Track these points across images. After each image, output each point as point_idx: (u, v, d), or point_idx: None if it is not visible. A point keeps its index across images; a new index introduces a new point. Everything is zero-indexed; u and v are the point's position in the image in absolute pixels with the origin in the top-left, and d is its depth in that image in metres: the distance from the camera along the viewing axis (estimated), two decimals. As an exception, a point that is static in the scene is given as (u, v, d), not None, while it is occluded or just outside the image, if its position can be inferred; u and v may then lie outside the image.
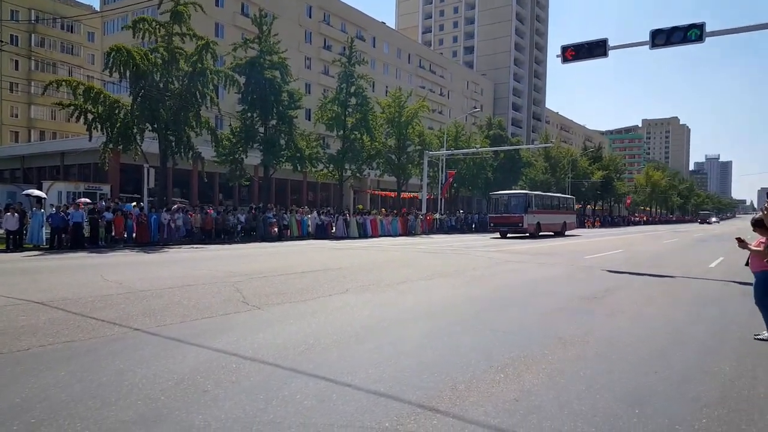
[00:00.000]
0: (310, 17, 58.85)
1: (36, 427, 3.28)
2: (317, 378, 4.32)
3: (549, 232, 33.14)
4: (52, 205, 21.00)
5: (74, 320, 6.26)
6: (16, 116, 61.10)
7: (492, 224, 31.96)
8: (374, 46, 67.27)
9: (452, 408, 3.77)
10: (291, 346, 5.29)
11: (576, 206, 76.43)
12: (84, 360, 4.71)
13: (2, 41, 23.92)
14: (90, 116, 23.02)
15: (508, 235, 30.57)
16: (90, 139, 24.49)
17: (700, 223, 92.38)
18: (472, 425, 3.49)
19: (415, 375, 4.48)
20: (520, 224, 29.83)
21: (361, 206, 39.59)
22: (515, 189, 61.56)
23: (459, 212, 45.07)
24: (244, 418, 3.48)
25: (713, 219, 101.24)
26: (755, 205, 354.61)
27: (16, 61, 59.19)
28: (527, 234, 30.62)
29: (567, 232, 35.21)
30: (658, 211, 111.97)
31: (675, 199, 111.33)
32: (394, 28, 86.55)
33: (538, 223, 31.33)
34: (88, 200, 22.33)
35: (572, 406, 3.86)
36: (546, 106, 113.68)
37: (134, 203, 24.17)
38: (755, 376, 4.75)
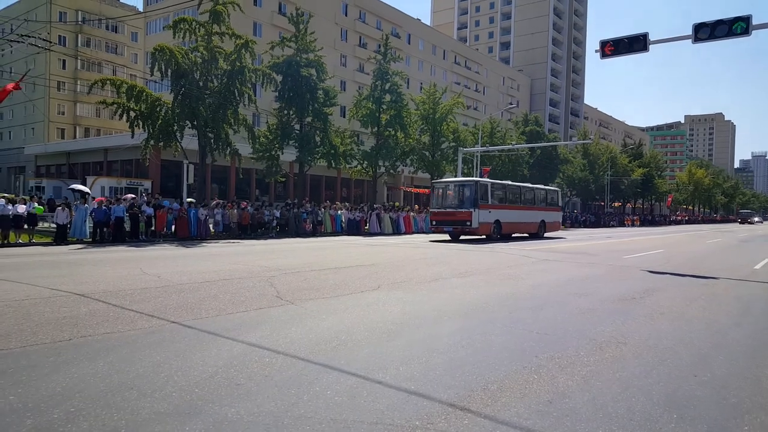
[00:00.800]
0: (345, 15, 59.11)
1: (75, 416, 3.38)
2: (348, 374, 4.33)
3: (517, 232, 26.60)
4: (93, 198, 21.73)
5: (114, 312, 6.45)
6: (63, 114, 63.49)
7: (433, 222, 24.57)
8: (409, 43, 67.09)
9: (484, 408, 3.70)
10: (323, 342, 5.32)
11: (615, 204, 74.97)
12: (122, 351, 4.83)
13: (50, 42, 24.81)
14: (132, 114, 23.71)
15: (462, 237, 24.36)
16: (132, 136, 25.26)
17: (741, 222, 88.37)
18: (504, 426, 3.43)
19: (447, 373, 4.43)
20: (468, 222, 22.61)
21: (397, 203, 39.54)
22: (551, 186, 60.93)
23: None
24: (276, 412, 3.51)
25: (756, 219, 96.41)
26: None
27: (64, 61, 61.49)
28: (481, 236, 24.31)
29: (547, 234, 28.49)
30: (701, 210, 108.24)
31: (719, 197, 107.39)
32: (429, 24, 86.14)
33: (497, 221, 24.20)
34: (133, 195, 23.02)
35: (607, 409, 3.75)
36: (584, 101, 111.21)
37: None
38: (803, 383, 4.52)
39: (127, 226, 19.27)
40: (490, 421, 3.50)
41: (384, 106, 35.58)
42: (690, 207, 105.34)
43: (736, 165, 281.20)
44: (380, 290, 8.69)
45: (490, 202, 23.91)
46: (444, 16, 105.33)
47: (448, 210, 23.74)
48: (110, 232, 18.75)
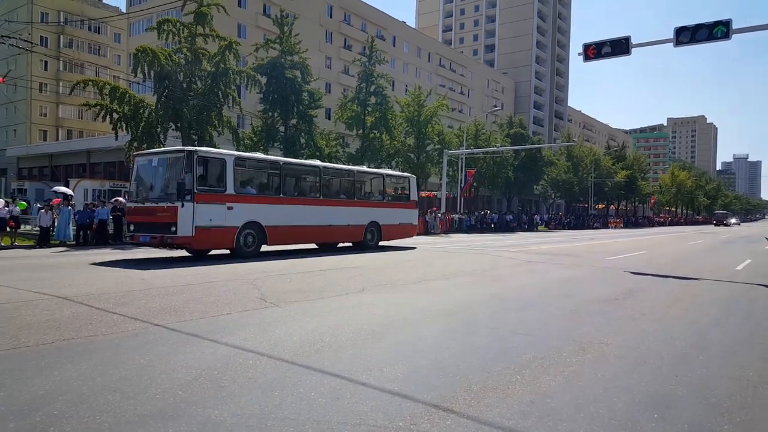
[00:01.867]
0: (330, 17, 59.11)
1: (58, 419, 3.36)
2: (332, 376, 4.35)
3: (310, 241, 17.37)
4: (72, 205, 21.38)
5: (97, 315, 6.40)
6: (45, 115, 62.62)
7: (130, 226, 14.50)
8: (394, 45, 67.26)
9: (467, 409, 3.75)
10: (307, 344, 5.33)
11: (598, 206, 75.67)
12: (105, 354, 4.81)
13: (32, 42, 24.45)
14: (115, 116, 23.48)
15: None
16: (116, 138, 25.03)
17: (716, 224, 78.47)
18: (487, 426, 3.48)
19: (430, 375, 4.48)
20: (173, 227, 12.89)
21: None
22: (537, 189, 61.72)
23: (478, 212, 44.73)
24: (259, 414, 3.52)
25: (732, 220, 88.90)
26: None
27: (46, 62, 60.64)
28: (202, 250, 14.53)
29: (391, 242, 20.21)
30: (684, 211, 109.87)
31: (701, 199, 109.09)
32: (414, 27, 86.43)
33: (253, 225, 14.65)
34: (123, 200, 22.76)
35: (589, 409, 3.81)
36: (568, 104, 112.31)
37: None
38: (781, 382, 4.64)
39: (110, 229, 19.07)
40: (472, 421, 3.55)
41: (369, 109, 35.66)
42: (673, 209, 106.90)
43: (718, 167, 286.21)
44: (365, 292, 8.72)
45: (231, 190, 14.06)
46: (429, 19, 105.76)
47: (147, 205, 13.89)
48: (93, 234, 18.54)
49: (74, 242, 18.26)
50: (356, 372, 4.47)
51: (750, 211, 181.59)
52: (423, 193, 45.59)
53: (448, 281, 10.54)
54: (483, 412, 3.70)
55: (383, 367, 4.64)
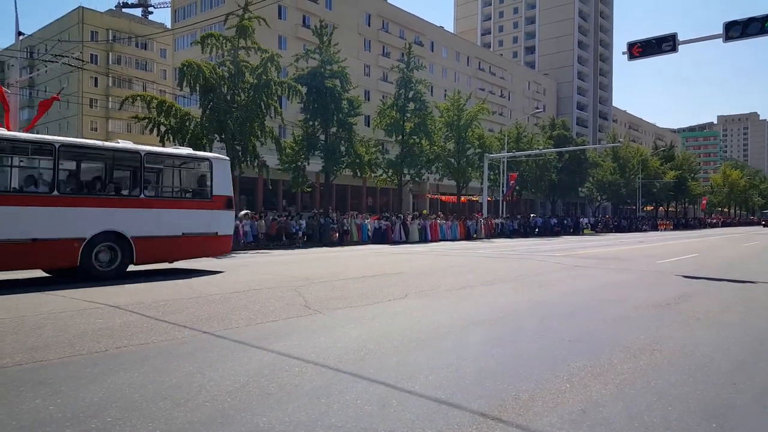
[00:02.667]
0: (368, 25, 59.57)
1: (112, 426, 3.45)
2: (377, 383, 4.32)
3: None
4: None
5: (147, 323, 6.59)
6: (95, 130, 65.40)
7: None
8: (432, 51, 67.15)
9: (515, 418, 3.66)
10: (352, 351, 5.33)
11: (647, 208, 73.07)
12: (156, 362, 4.93)
13: (83, 60, 25.66)
14: (162, 128, 24.27)
15: None
16: (163, 150, 25.78)
17: (765, 225, 73.96)
18: (537, 436, 3.38)
19: (477, 383, 4.39)
20: None
21: (425, 211, 39.50)
22: (582, 191, 60.11)
23: (521, 216, 43.98)
24: (307, 422, 3.53)
25: None
26: None
27: (95, 78, 63.43)
28: None
29: (181, 263, 13.37)
30: (738, 212, 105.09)
31: (756, 199, 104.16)
32: (452, 31, 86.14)
33: None
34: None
35: (643, 419, 3.67)
36: (613, 104, 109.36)
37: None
38: None
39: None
40: (522, 430, 3.46)
41: (408, 114, 35.67)
42: (726, 209, 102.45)
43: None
44: (408, 299, 8.67)
45: None
46: (467, 23, 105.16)
47: None
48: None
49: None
50: (401, 379, 4.43)
51: None
52: (464, 198, 45.28)
53: (492, 287, 10.37)
54: (532, 422, 3.60)
55: (428, 374, 4.58)
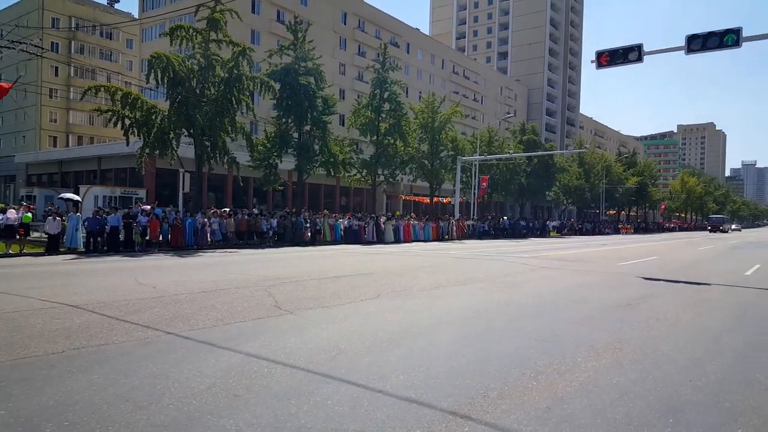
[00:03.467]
0: (344, 24, 59.33)
1: (69, 430, 3.30)
2: (349, 383, 4.27)
3: None
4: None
5: (108, 323, 6.36)
6: (55, 121, 63.16)
7: None
8: (408, 52, 67.34)
9: (484, 415, 3.69)
10: (323, 351, 5.26)
11: (610, 212, 74.87)
12: (117, 363, 4.75)
13: (43, 48, 24.74)
14: (127, 122, 23.51)
15: None
16: (127, 144, 25.12)
17: (711, 230, 70.53)
18: (506, 435, 3.40)
19: (447, 381, 4.40)
20: None
21: (398, 212, 39.53)
22: (549, 195, 61.22)
23: (491, 218, 44.48)
24: (275, 423, 3.44)
25: (732, 226, 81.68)
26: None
27: (56, 68, 61.20)
28: None
29: None
30: (694, 217, 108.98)
31: (711, 205, 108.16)
32: (428, 34, 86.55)
33: None
34: (148, 206, 22.93)
35: (606, 415, 3.77)
36: (580, 111, 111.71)
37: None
38: (798, 388, 4.53)
39: (121, 236, 19.07)
40: (490, 428, 3.49)
41: (383, 115, 35.64)
42: (683, 214, 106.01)
43: (727, 173, 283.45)
44: (380, 299, 8.63)
45: None
46: (443, 26, 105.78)
47: None
48: (104, 241, 18.56)
49: (84, 249, 18.28)
50: (373, 379, 4.39)
51: (758, 217, 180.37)
52: (437, 199, 45.54)
53: (463, 287, 10.42)
54: (500, 419, 3.64)
55: (400, 374, 4.56)
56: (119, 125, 23.73)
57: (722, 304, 9.11)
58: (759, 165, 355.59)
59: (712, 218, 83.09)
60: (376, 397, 3.98)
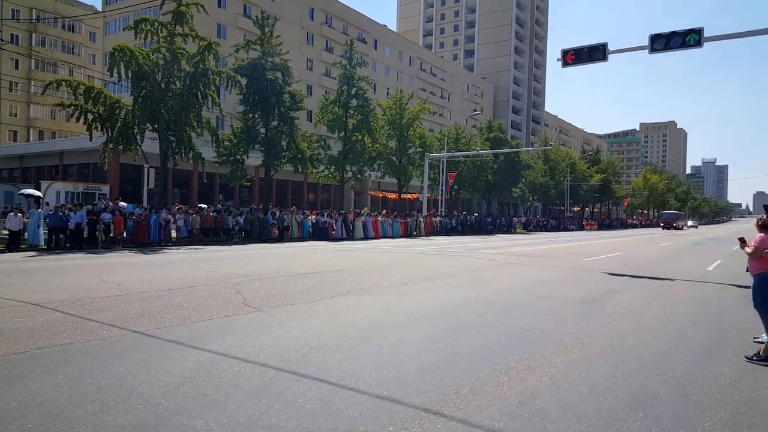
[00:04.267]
0: (312, 19, 58.87)
1: None
2: (320, 381, 4.27)
3: None
4: (48, 204, 20.80)
5: (72, 322, 6.20)
6: (15, 115, 60.96)
7: None
8: (376, 49, 67.29)
9: (456, 412, 3.73)
10: (293, 349, 5.24)
11: (574, 209, 76.64)
12: (82, 363, 4.65)
13: (3, 40, 23.81)
14: (90, 116, 22.97)
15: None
16: (90, 139, 24.46)
17: (664, 227, 66.48)
18: (477, 429, 3.45)
19: (419, 378, 4.44)
20: None
21: (366, 209, 39.51)
22: (515, 192, 62.19)
23: (458, 214, 44.91)
24: (246, 423, 3.43)
25: (689, 222, 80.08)
26: (750, 209, 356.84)
27: (17, 60, 59.09)
28: None
29: None
30: (656, 214, 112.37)
31: (672, 202, 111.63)
32: (395, 31, 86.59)
33: None
34: (123, 204, 22.32)
35: (576, 409, 3.85)
36: (545, 109, 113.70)
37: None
38: (756, 379, 4.75)
39: (85, 233, 18.57)
40: (462, 424, 3.52)
41: (351, 111, 35.56)
42: (645, 211, 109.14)
43: (688, 171, 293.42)
44: (350, 295, 8.64)
45: None
46: (410, 23, 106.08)
47: None
48: (66, 238, 18.04)
49: (46, 246, 17.74)
50: (344, 377, 4.40)
51: (717, 213, 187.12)
52: (405, 196, 45.71)
53: (432, 283, 10.52)
54: (472, 415, 3.68)
55: (371, 371, 4.58)
56: (82, 120, 23.14)
57: (685, 299, 9.39)
58: (718, 163, 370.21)
59: (665, 215, 78.11)
60: (348, 394, 4.00)
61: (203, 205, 26.19)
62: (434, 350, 5.36)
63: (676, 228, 65.65)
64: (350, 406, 3.76)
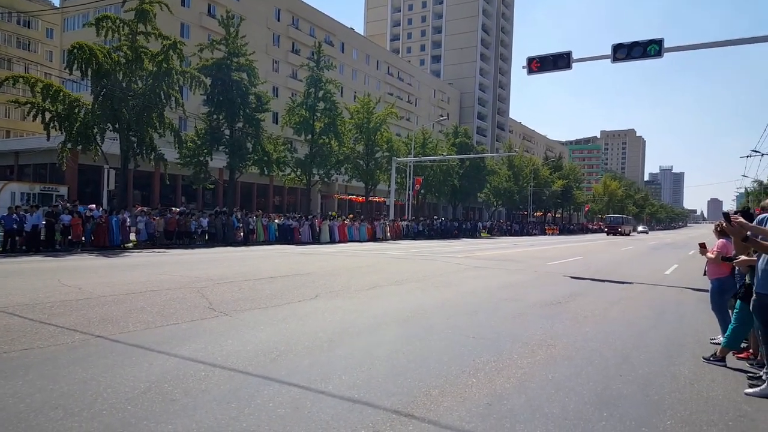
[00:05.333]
0: (278, 20, 58.37)
1: (-7, 440, 3.11)
2: (290, 385, 4.25)
3: None
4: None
5: (32, 327, 5.98)
6: (-34, 113, 58.36)
7: None
8: (343, 52, 67.21)
9: (427, 413, 3.77)
10: (262, 353, 5.19)
11: (537, 214, 78.26)
12: (43, 368, 4.50)
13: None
14: (48, 115, 22.23)
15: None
16: (48, 139, 23.63)
17: (608, 234, 61.36)
18: (447, 430, 3.50)
19: (389, 380, 4.47)
20: None
21: (333, 213, 39.36)
22: (480, 197, 63.01)
23: (425, 219, 45.22)
24: (216, 427, 3.39)
25: (639, 228, 76.73)
26: (705, 215, 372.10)
27: (-32, 56, 56.56)
28: None
29: None
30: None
31: (631, 208, 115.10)
32: (362, 34, 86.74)
33: None
34: (93, 206, 21.56)
35: (543, 410, 3.94)
36: (510, 115, 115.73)
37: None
38: (713, 379, 4.94)
39: (42, 235, 17.90)
40: (433, 425, 3.57)
41: (318, 114, 35.42)
42: (604, 217, 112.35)
43: (646, 178, 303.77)
44: (318, 299, 8.61)
45: None
46: (377, 27, 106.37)
47: None
48: (23, 241, 17.35)
49: (1, 249, 17.02)
50: (315, 380, 4.39)
51: (674, 219, 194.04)
52: (372, 199, 45.78)
53: (400, 287, 10.57)
54: (443, 416, 3.73)
55: (342, 374, 4.59)
56: (39, 118, 22.33)
57: (645, 302, 9.70)
58: (675, 170, 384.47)
59: (610, 219, 68.30)
60: (319, 398, 3.99)
61: (176, 208, 25.64)
62: (404, 353, 5.40)
63: (621, 234, 60.93)
64: (322, 410, 3.75)
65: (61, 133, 23.18)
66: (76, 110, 22.72)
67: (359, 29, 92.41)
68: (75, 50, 21.79)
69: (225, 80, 28.77)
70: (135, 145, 24.19)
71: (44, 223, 17.77)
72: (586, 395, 4.31)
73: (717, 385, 4.77)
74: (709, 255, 6.18)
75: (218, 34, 32.99)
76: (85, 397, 3.82)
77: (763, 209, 4.89)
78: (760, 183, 66.73)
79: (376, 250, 22.56)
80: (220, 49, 29.76)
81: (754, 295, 4.52)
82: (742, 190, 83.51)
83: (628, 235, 63.43)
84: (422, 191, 48.68)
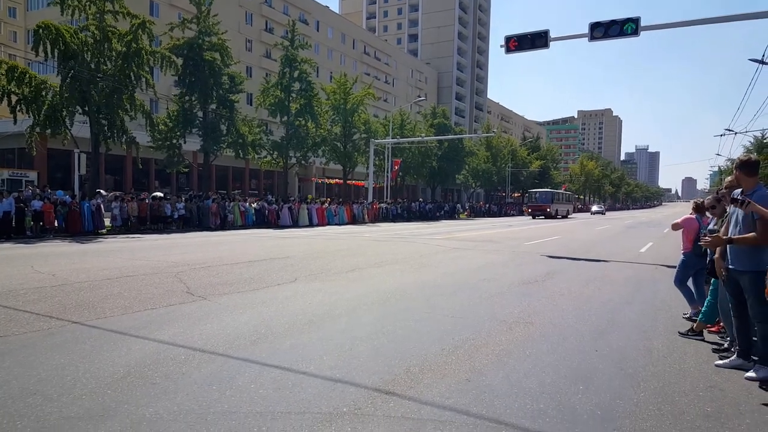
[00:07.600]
0: (251, -1, 57.17)
1: (-30, 428, 3.07)
2: (271, 367, 4.27)
3: None
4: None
5: (6, 314, 5.88)
6: (-73, 96, 56.16)
7: None
8: (318, 30, 66.24)
9: (407, 390, 3.84)
10: (242, 336, 5.20)
11: (515, 195, 78.97)
12: (20, 355, 4.44)
13: None
14: (14, 98, 21.53)
15: None
16: (14, 123, 22.90)
17: (533, 216, 47.62)
18: (428, 406, 3.56)
19: (370, 360, 4.52)
20: None
21: (311, 196, 39.12)
22: (459, 178, 63.20)
23: (403, 201, 45.30)
24: (198, 409, 3.39)
25: (594, 208, 70.88)
26: (679, 194, 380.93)
27: (-74, 36, 54.26)
28: None
29: None
30: (592, 199, 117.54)
31: (608, 187, 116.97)
32: (337, 12, 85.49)
33: None
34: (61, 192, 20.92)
35: (521, 384, 4.04)
36: (488, 96, 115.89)
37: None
38: (685, 352, 5.11)
39: (12, 222, 17.43)
40: (414, 402, 3.63)
41: (293, 95, 34.94)
42: (581, 197, 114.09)
43: (622, 157, 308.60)
44: (298, 282, 8.61)
45: None
46: (352, 5, 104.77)
47: None
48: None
49: (-32, 236, 16.56)
50: (296, 362, 4.42)
51: (649, 198, 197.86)
52: (350, 182, 45.62)
53: (380, 269, 10.63)
54: (423, 393, 3.80)
55: (323, 355, 4.63)
56: (5, 102, 21.59)
57: (620, 279, 9.93)
58: (651, 149, 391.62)
59: (535, 195, 52.02)
60: (300, 378, 4.02)
61: (158, 194, 25.16)
62: (384, 333, 5.46)
63: (549, 216, 46.44)
64: (303, 390, 3.79)
65: (29, 117, 22.49)
66: (44, 93, 22.04)
67: (334, 7, 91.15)
68: (40, 30, 21.05)
69: (197, 60, 28.15)
70: (105, 128, 23.61)
71: (15, 209, 17.31)
72: (563, 370, 4.42)
73: (689, 357, 4.94)
74: (674, 223, 6.49)
75: (189, 13, 32.18)
76: (63, 383, 3.79)
77: (728, 188, 5.02)
78: (733, 161, 68.24)
79: (356, 233, 22.58)
80: (191, 29, 29.05)
81: (724, 270, 4.68)
82: (716, 169, 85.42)
83: (565, 217, 49.45)
84: (401, 173, 48.65)
